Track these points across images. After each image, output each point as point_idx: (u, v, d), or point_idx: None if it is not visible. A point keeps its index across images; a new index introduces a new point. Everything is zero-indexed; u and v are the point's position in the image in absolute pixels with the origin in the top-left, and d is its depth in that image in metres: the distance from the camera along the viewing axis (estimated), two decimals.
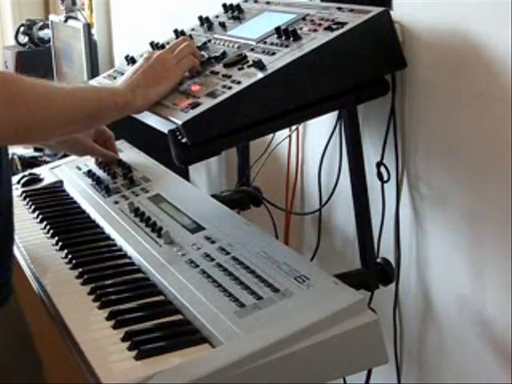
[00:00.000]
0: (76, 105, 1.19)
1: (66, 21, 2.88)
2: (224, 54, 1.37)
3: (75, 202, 1.58)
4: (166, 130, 1.22)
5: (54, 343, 1.31)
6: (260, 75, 1.20)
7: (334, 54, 1.23)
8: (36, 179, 1.74)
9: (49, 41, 3.25)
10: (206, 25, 1.57)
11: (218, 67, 1.32)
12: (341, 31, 1.23)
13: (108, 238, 1.39)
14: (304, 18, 1.35)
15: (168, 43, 1.50)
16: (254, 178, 1.76)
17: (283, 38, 1.30)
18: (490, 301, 1.22)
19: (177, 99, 1.26)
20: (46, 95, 1.14)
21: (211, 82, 1.27)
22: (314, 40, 1.24)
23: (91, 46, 2.68)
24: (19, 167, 2.36)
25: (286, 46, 1.27)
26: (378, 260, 1.37)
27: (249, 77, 1.21)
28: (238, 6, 1.56)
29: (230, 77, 1.25)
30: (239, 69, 1.27)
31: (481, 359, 1.25)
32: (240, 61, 1.29)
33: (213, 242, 1.26)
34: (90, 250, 1.34)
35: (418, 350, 1.41)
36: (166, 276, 1.19)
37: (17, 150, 2.46)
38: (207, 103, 1.19)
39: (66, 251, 1.33)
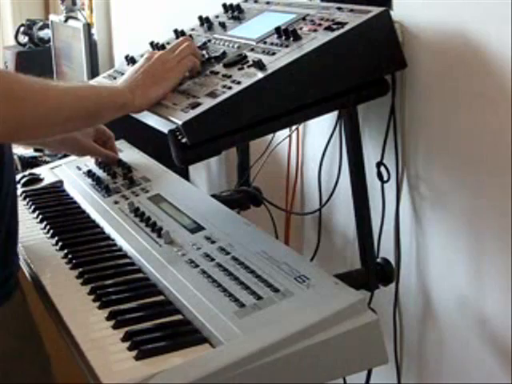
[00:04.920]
0: (74, 102, 1.19)
1: (66, 21, 2.88)
2: (224, 53, 1.37)
3: (75, 202, 1.58)
4: (166, 130, 1.22)
5: (54, 343, 1.31)
6: (260, 75, 1.20)
7: (334, 54, 1.23)
8: (36, 179, 1.74)
9: (49, 41, 3.25)
10: (206, 25, 1.57)
11: (218, 67, 1.32)
12: (341, 31, 1.23)
13: (108, 237, 1.39)
14: (304, 18, 1.35)
15: (168, 43, 1.50)
16: (254, 178, 1.76)
17: (283, 37, 1.30)
18: (489, 301, 1.22)
19: (177, 99, 1.26)
20: (43, 92, 1.14)
21: (211, 82, 1.27)
22: (314, 40, 1.24)
23: (91, 45, 2.68)
24: (19, 167, 2.35)
25: (286, 46, 1.27)
26: (378, 260, 1.37)
27: (249, 77, 1.21)
28: (238, 5, 1.56)
29: (230, 77, 1.25)
30: (239, 69, 1.27)
31: (481, 359, 1.25)
32: (240, 61, 1.29)
33: (213, 242, 1.26)
34: (90, 249, 1.34)
35: (417, 350, 1.41)
36: (166, 276, 1.19)
37: (17, 150, 2.46)
38: (207, 103, 1.19)
39: (65, 251, 1.33)
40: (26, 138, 1.32)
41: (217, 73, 1.30)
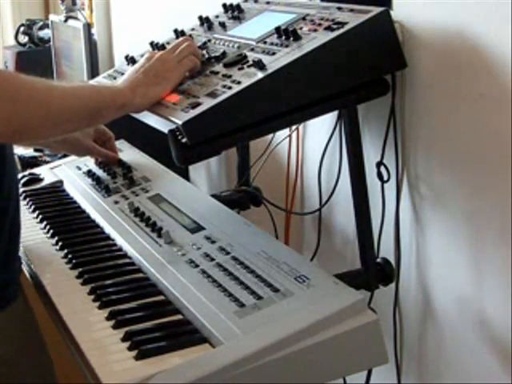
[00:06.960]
0: (75, 103, 1.19)
1: (66, 21, 2.88)
2: (224, 53, 1.37)
3: (75, 202, 1.58)
4: (166, 130, 1.22)
5: (54, 343, 1.31)
6: (260, 75, 1.20)
7: (334, 54, 1.23)
8: (36, 179, 1.74)
9: (49, 41, 3.25)
10: (205, 25, 1.57)
11: (218, 67, 1.32)
12: (341, 31, 1.23)
13: (108, 237, 1.39)
14: (304, 18, 1.35)
15: (168, 43, 1.50)
16: (253, 178, 1.76)
17: (283, 37, 1.30)
18: (490, 301, 1.22)
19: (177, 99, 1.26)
20: (44, 93, 1.14)
21: (211, 82, 1.27)
22: (314, 40, 1.24)
23: (91, 45, 2.68)
24: (19, 167, 2.35)
25: (286, 46, 1.27)
26: (378, 260, 1.37)
27: (249, 77, 1.21)
28: (238, 5, 1.56)
29: (230, 77, 1.25)
30: (239, 69, 1.27)
31: (481, 359, 1.25)
32: (240, 61, 1.29)
33: (213, 242, 1.26)
34: (90, 249, 1.34)
35: (417, 350, 1.41)
36: (165, 276, 1.19)
37: (17, 150, 2.45)
38: (207, 103, 1.19)
39: (65, 251, 1.33)
40: (29, 138, 1.32)
41: (217, 73, 1.30)
